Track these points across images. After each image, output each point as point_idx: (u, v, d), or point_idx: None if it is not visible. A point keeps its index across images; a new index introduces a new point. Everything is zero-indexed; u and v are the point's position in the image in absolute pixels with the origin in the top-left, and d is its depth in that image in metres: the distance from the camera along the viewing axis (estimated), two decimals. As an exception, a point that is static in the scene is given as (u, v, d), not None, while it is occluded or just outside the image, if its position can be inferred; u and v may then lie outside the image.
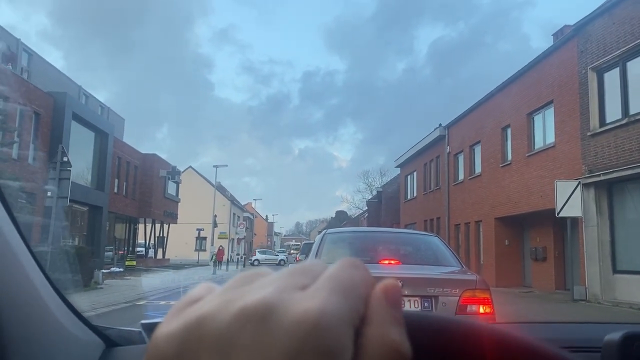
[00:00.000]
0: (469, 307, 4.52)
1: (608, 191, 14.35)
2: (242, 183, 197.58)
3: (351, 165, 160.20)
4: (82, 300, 12.72)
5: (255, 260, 50.38)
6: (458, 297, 4.52)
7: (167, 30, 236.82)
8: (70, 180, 14.64)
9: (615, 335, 0.72)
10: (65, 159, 14.37)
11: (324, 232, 6.20)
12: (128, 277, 22.34)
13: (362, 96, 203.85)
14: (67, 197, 14.30)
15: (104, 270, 24.28)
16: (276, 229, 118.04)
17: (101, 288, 16.48)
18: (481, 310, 4.53)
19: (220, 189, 59.58)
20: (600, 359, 0.73)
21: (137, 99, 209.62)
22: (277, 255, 53.95)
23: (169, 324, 0.29)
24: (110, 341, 1.18)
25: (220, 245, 36.31)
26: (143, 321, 1.07)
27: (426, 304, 4.55)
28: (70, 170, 14.50)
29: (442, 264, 5.37)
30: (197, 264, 39.47)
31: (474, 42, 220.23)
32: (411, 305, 4.57)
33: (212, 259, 34.12)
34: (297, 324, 0.26)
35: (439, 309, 4.50)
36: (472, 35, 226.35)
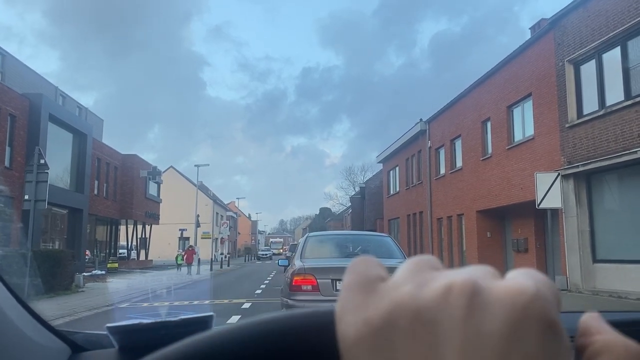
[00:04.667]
0: None
1: (587, 182, 14.55)
2: (232, 182, 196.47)
3: (343, 162, 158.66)
4: (64, 305, 12.52)
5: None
6: None
7: (163, 29, 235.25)
8: (48, 183, 14.40)
9: None
10: (42, 161, 14.13)
11: (306, 235, 8.11)
12: (110, 280, 22.07)
13: (359, 92, 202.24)
14: (45, 200, 14.05)
15: (85, 274, 24.00)
16: (260, 227, 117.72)
17: (82, 291, 16.25)
18: None
19: (203, 188, 59.17)
20: (573, 349, 0.75)
21: (131, 99, 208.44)
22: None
23: (366, 309, 0.28)
24: (77, 346, 1.14)
25: (190, 245, 30.53)
26: (108, 324, 1.04)
27: None
28: (47, 172, 14.26)
29: (392, 257, 6.97)
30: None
31: (476, 35, 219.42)
32: None
33: (177, 259, 29.00)
34: (515, 295, 0.26)
35: None
36: (475, 29, 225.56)
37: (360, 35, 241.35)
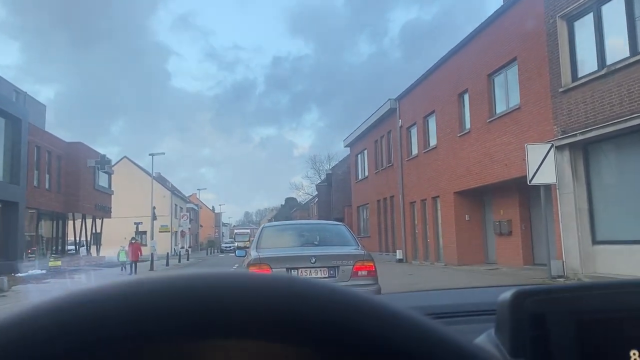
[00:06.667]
0: (359, 272, 6.51)
1: (584, 153, 12.87)
2: (198, 174, 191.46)
3: (312, 151, 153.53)
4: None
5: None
6: (352, 266, 6.51)
7: (127, 19, 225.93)
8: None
9: (507, 295, 0.71)
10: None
11: (262, 226, 8.19)
12: (48, 280, 19.50)
13: (329, 81, 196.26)
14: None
15: (20, 274, 21.33)
16: (225, 220, 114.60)
17: (3, 296, 13.78)
18: (366, 273, 6.52)
19: (161, 179, 56.21)
20: (496, 319, 0.73)
21: (94, 92, 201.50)
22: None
23: None
24: None
25: (134, 238, 24.95)
26: None
27: (332, 272, 6.52)
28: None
29: (345, 245, 7.26)
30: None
31: (446, 24, 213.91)
32: (321, 274, 6.48)
33: (120, 255, 24.72)
34: None
35: (339, 275, 6.47)
36: (445, 17, 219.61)
37: (331, 25, 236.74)
